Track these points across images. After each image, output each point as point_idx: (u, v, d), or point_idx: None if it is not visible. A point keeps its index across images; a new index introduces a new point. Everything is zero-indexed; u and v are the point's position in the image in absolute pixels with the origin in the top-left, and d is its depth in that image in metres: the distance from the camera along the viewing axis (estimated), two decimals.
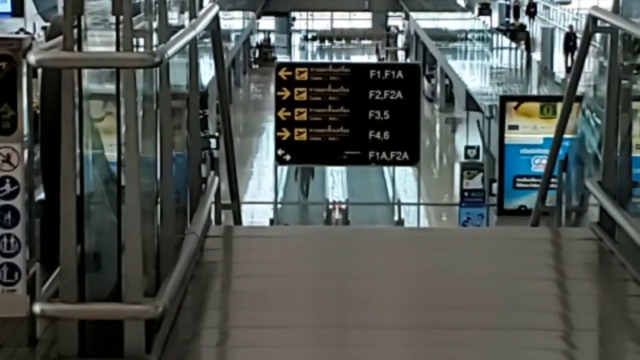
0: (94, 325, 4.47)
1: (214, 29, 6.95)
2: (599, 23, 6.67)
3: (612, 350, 4.99)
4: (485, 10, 50.53)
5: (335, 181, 30.63)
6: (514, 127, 20.58)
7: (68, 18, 4.29)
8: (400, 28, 56.45)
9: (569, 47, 39.63)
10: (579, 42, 39.15)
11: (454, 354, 4.89)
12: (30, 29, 37.89)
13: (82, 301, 4.38)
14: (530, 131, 20.20)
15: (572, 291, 5.93)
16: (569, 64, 38.55)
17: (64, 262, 4.33)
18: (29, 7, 37.50)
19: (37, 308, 4.34)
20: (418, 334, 5.23)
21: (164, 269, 4.80)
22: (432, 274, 6.07)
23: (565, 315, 5.55)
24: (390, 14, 56.97)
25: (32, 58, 4.30)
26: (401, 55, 52.84)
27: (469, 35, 42.00)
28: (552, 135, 7.72)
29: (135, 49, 4.53)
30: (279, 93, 16.83)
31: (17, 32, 30.75)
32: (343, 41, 60.22)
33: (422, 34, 44.32)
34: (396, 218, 24.89)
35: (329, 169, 27.54)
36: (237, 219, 7.81)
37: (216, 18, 6.69)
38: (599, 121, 7.94)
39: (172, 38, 4.96)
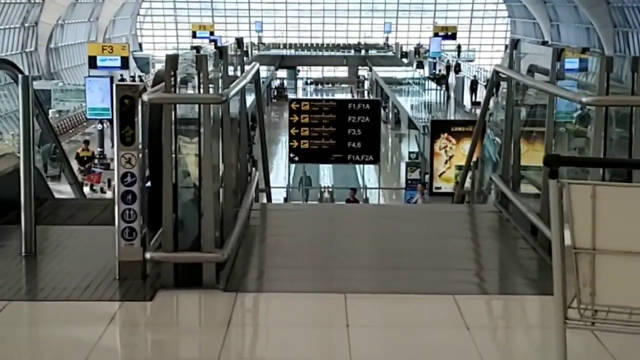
0: (183, 266, 4.57)
1: (256, 78, 7.00)
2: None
3: (506, 283, 5.04)
4: (420, 65, 51.34)
5: (325, 174, 30.69)
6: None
7: (168, 71, 4.41)
8: (366, 76, 56.87)
9: (472, 89, 40.51)
10: (479, 86, 39.87)
11: (394, 274, 5.00)
12: (130, 76, 38.32)
13: (176, 251, 4.51)
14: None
15: (480, 243, 6.04)
16: (473, 99, 39.26)
17: (165, 226, 4.48)
18: (131, 63, 38.05)
19: (147, 255, 4.53)
20: (375, 259, 5.39)
21: (226, 230, 4.85)
22: (387, 233, 6.10)
23: (475, 259, 5.59)
24: (360, 67, 57.37)
25: (145, 97, 4.47)
26: (366, 93, 53.55)
27: (410, 81, 42.11)
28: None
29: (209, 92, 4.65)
30: (290, 118, 17.15)
31: (120, 79, 30.69)
32: (330, 85, 60.70)
33: (380, 80, 44.24)
34: (364, 197, 25.21)
35: (321, 166, 27.62)
36: (269, 198, 7.93)
37: (258, 71, 6.75)
38: (493, 137, 8.12)
39: (232, 85, 5.05)
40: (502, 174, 6.47)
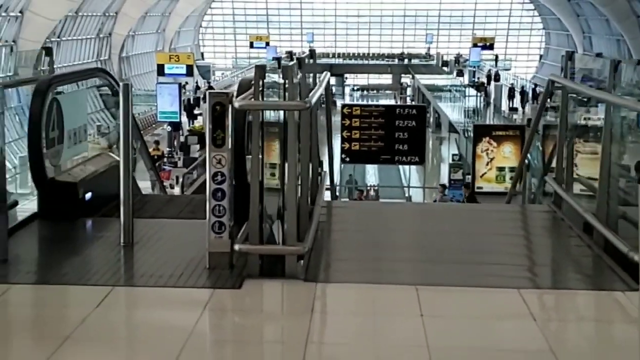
0: (267, 257, 4.62)
1: (327, 87, 7.02)
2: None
3: (566, 278, 4.95)
4: (460, 73, 51.00)
5: (371, 173, 30.73)
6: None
7: (257, 80, 4.44)
8: (409, 83, 56.60)
9: (510, 96, 39.93)
10: (516, 93, 39.54)
11: (459, 268, 4.93)
12: (194, 82, 38.54)
13: (262, 243, 4.55)
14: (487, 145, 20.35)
15: (538, 240, 5.90)
16: (511, 105, 38.97)
17: (252, 220, 4.51)
18: (194, 70, 38.40)
19: (236, 247, 4.55)
20: (440, 254, 5.29)
21: (304, 226, 4.81)
22: (449, 230, 5.96)
23: (534, 255, 5.49)
24: (403, 75, 57.23)
25: (236, 104, 4.49)
26: (409, 99, 53.17)
27: (450, 88, 41.86)
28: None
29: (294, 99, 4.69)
30: (342, 121, 17.02)
31: (184, 85, 30.98)
32: (375, 91, 60.50)
33: (422, 87, 44.17)
34: (407, 195, 25.16)
35: (367, 166, 27.67)
36: (333, 196, 7.93)
37: (329, 80, 6.77)
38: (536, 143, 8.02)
39: (311, 93, 5.04)
40: (556, 175, 6.39)
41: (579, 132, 6.51)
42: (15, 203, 5.39)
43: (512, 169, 20.39)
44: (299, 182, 4.89)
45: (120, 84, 5.37)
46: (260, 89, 4.52)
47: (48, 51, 31.53)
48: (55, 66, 34.66)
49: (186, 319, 3.98)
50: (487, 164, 20.29)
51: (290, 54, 6.42)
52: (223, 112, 4.58)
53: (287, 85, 4.61)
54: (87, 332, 3.78)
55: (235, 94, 4.83)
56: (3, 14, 30.25)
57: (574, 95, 6.34)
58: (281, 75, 4.63)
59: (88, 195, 6.00)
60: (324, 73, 6.52)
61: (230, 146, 4.60)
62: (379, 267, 4.98)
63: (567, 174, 6.17)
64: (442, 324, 4.00)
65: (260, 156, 4.60)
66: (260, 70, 4.52)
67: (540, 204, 7.18)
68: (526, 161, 8.50)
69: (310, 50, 6.42)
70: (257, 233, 4.54)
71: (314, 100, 4.83)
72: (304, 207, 5.06)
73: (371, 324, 4.04)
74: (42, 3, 31.14)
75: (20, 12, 31.17)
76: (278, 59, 5.25)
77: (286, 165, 4.62)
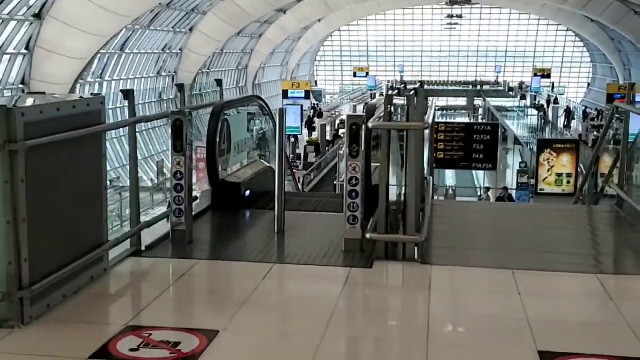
0: (391, 244, 4.60)
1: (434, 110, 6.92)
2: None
3: (622, 265, 4.84)
4: (523, 97, 49.58)
5: (449, 176, 30.30)
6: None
7: (387, 105, 4.52)
8: (480, 105, 55.43)
9: (566, 116, 38.81)
10: (576, 114, 38.23)
11: (546, 256, 4.77)
12: (311, 104, 38.55)
13: (387, 233, 4.55)
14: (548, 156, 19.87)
15: (608, 234, 5.72)
16: (565, 124, 37.90)
17: (380, 215, 4.50)
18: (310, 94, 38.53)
19: (367, 235, 4.53)
20: (529, 244, 5.11)
21: (418, 220, 4.73)
22: (534, 225, 5.69)
23: (606, 246, 5.35)
24: (475, 98, 56.06)
25: (370, 124, 4.51)
26: (480, 118, 51.88)
27: (515, 109, 40.90)
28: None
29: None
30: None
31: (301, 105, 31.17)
32: (452, 111, 59.51)
33: (492, 108, 43.07)
34: (478, 194, 24.71)
35: (447, 170, 27.32)
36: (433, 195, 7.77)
37: (434, 103, 6.52)
38: None
39: (427, 116, 5.04)
40: (618, 181, 6.21)
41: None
42: (196, 198, 5.56)
43: (568, 175, 19.94)
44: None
45: (278, 108, 5.48)
46: (389, 112, 4.53)
47: (219, 82, 32.14)
48: (204, 91, 35.48)
49: (332, 291, 4.02)
50: (548, 171, 19.88)
51: (405, 85, 6.39)
52: (358, 131, 4.61)
53: (409, 110, 4.61)
54: (259, 299, 3.85)
55: (366, 116, 4.85)
56: (167, 51, 31.19)
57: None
58: (405, 102, 4.64)
59: (247, 193, 6.13)
60: (431, 99, 6.46)
61: (362, 157, 4.62)
62: (479, 253, 4.90)
63: (628, 180, 6.02)
64: (538, 302, 3.92)
65: (387, 165, 4.58)
66: (389, 98, 4.54)
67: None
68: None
69: (420, 82, 6.43)
70: (383, 225, 4.55)
71: (430, 121, 4.81)
72: (419, 204, 4.99)
73: (478, 299, 4.00)
74: (196, 43, 31.98)
75: (180, 49, 32.08)
76: (399, 89, 5.24)
77: (408, 171, 4.62)
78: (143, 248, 4.62)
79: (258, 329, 3.43)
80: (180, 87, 5.40)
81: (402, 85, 6.11)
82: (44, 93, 4.17)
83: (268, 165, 6.87)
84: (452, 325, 3.63)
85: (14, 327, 3.26)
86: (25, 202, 3.25)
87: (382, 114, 4.78)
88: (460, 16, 49.21)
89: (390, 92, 4.77)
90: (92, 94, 3.89)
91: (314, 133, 34.14)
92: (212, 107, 6.03)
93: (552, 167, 19.76)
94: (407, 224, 4.56)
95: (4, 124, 3.18)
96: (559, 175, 19.58)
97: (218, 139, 5.88)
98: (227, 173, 6.20)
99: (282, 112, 5.31)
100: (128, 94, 4.45)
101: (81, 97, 3.83)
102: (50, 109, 3.50)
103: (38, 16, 19.82)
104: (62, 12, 19.69)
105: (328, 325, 3.44)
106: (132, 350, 3.11)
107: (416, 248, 4.55)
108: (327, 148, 30.44)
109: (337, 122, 36.61)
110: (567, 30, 62.37)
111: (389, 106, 4.54)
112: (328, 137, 32.48)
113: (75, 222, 3.76)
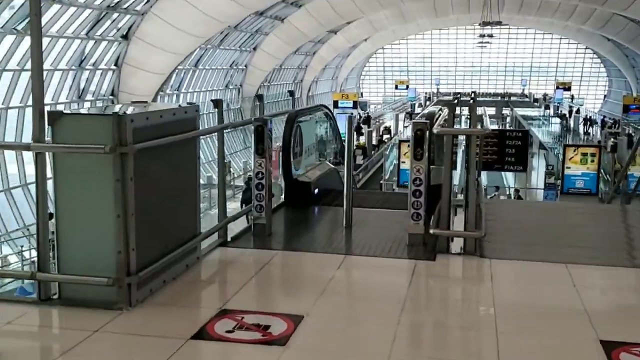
0: (452, 239, 4.44)
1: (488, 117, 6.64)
2: None
3: None
4: (547, 107, 48.45)
5: (482, 177, 29.70)
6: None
7: (450, 117, 4.40)
8: (508, 114, 54.30)
9: (586, 124, 37.54)
10: (597, 123, 37.15)
11: (593, 251, 4.56)
12: (359, 113, 37.95)
13: (449, 229, 4.38)
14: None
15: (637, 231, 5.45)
16: (585, 130, 36.56)
17: (443, 214, 4.35)
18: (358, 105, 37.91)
19: (431, 231, 4.35)
20: (578, 241, 4.86)
21: (478, 216, 4.52)
22: (577, 223, 5.47)
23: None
24: (503, 108, 54.94)
25: (435, 130, 4.35)
26: (508, 125, 50.61)
27: (540, 118, 40.06)
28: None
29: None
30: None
31: (350, 114, 30.80)
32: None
33: (519, 117, 42.23)
34: (507, 193, 24.14)
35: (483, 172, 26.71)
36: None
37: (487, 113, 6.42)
38: None
39: (484, 123, 4.89)
40: None
41: None
42: (272, 195, 5.48)
43: (592, 155, 19.27)
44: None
45: (346, 116, 5.36)
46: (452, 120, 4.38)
47: (260, 97, 32.30)
48: (266, 101, 35.61)
49: (401, 280, 3.90)
50: (574, 150, 19.32)
51: (459, 96, 6.20)
52: (422, 136, 4.45)
53: (471, 117, 4.44)
54: (335, 287, 3.74)
55: (428, 122, 4.67)
56: (234, 67, 31.39)
57: None
58: (468, 111, 4.47)
59: (316, 191, 6.03)
60: (480, 109, 6.24)
61: (426, 159, 4.46)
62: (533, 249, 4.67)
63: None
64: (594, 294, 3.73)
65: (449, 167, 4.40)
66: (452, 106, 4.38)
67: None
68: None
69: (473, 92, 6.22)
70: (446, 221, 4.40)
71: (489, 127, 4.61)
72: (478, 202, 4.80)
73: (536, 291, 3.80)
74: (259, 60, 32.12)
75: (245, 66, 32.26)
76: (456, 98, 5.06)
77: (470, 173, 4.42)
78: (229, 239, 4.54)
79: (338, 315, 3.32)
80: (260, 98, 5.31)
81: (457, 96, 5.89)
82: (146, 102, 4.11)
83: (333, 166, 6.75)
84: (517, 314, 3.43)
85: (122, 310, 3.22)
86: (133, 198, 3.20)
87: (442, 121, 4.61)
88: (491, 35, 48.14)
89: (451, 102, 4.57)
90: (187, 103, 3.79)
91: (361, 137, 33.95)
92: (287, 114, 5.93)
93: (577, 147, 19.30)
94: (468, 221, 4.38)
95: (116, 129, 3.14)
96: (584, 155, 18.76)
97: (292, 143, 5.77)
98: (299, 173, 6.10)
99: (350, 120, 5.19)
100: (217, 103, 4.37)
101: (179, 105, 3.76)
102: (155, 116, 3.45)
103: (125, 37, 20.20)
104: (146, 33, 20.00)
105: (402, 312, 3.31)
106: (228, 332, 3.03)
107: (475, 243, 4.37)
108: (372, 152, 30.22)
109: (382, 128, 36.31)
110: (586, 48, 61.09)
111: (452, 114, 4.37)
112: (374, 142, 32.28)
113: (173, 216, 3.71)
